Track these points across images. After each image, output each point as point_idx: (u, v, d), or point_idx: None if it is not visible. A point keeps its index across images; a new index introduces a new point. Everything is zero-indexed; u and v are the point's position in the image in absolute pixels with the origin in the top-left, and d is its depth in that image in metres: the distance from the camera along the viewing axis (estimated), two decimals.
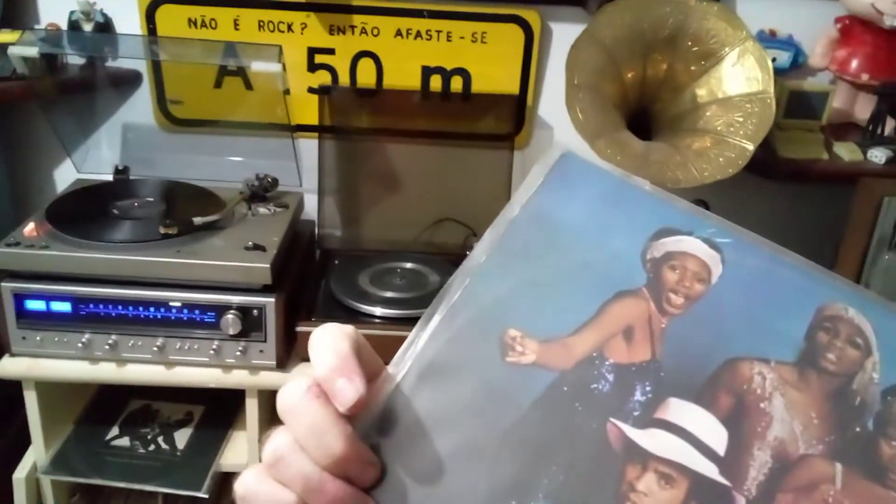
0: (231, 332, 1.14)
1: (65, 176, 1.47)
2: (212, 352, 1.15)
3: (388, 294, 1.26)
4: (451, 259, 1.38)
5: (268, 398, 1.22)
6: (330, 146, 1.44)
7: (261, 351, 1.17)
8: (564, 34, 1.39)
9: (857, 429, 0.39)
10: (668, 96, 1.28)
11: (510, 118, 1.46)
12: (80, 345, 1.14)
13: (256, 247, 1.17)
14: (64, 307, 1.14)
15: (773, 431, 0.39)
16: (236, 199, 1.29)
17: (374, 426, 0.40)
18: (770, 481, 0.38)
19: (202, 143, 1.45)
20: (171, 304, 1.14)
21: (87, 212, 1.23)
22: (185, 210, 1.25)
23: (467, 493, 0.39)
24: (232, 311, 1.14)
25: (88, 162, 1.42)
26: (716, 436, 0.39)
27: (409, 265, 1.36)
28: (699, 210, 0.45)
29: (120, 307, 1.14)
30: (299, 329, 1.18)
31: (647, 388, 0.40)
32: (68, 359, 1.15)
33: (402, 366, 0.41)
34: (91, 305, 1.14)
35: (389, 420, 0.40)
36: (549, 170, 0.46)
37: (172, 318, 1.15)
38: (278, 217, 1.29)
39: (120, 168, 1.38)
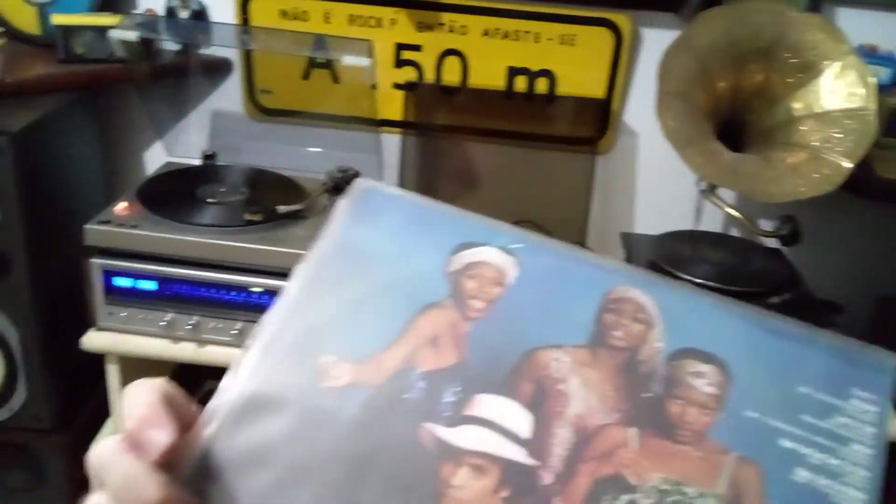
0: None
1: (155, 159, 1.51)
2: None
3: None
4: None
5: None
6: (412, 142, 1.44)
7: None
8: (655, 40, 1.37)
9: (647, 394, 0.43)
10: (761, 108, 1.24)
11: (594, 122, 1.44)
12: (162, 323, 1.17)
13: None
14: (150, 286, 1.17)
15: (572, 409, 0.42)
16: (319, 190, 1.31)
17: (196, 472, 0.41)
18: (573, 454, 0.41)
19: (287, 132, 1.48)
20: (252, 289, 1.16)
21: (175, 194, 1.27)
22: (269, 198, 1.27)
23: None
24: None
25: (178, 146, 1.45)
26: (521, 421, 0.42)
27: None
28: (494, 222, 0.48)
29: (203, 289, 1.17)
30: None
31: (456, 389, 0.43)
32: (151, 336, 1.19)
33: (219, 408, 0.42)
34: (176, 286, 1.17)
35: (211, 463, 0.41)
36: (354, 202, 0.50)
37: (253, 302, 1.17)
38: None
39: (208, 153, 1.42)
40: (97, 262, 1.16)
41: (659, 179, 1.49)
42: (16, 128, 1.14)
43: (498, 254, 0.47)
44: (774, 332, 0.45)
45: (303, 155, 1.46)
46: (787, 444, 0.41)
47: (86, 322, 1.19)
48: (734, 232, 1.49)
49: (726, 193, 1.34)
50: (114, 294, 1.17)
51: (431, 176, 1.48)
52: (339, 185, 1.33)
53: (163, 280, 1.17)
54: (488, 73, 1.43)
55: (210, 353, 1.20)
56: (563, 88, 1.43)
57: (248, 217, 1.19)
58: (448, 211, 0.50)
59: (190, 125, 1.48)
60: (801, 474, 0.41)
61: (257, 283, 1.16)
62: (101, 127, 1.44)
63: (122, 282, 1.17)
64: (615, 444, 0.42)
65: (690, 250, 1.30)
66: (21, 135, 1.14)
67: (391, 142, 1.44)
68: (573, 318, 0.45)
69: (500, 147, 1.47)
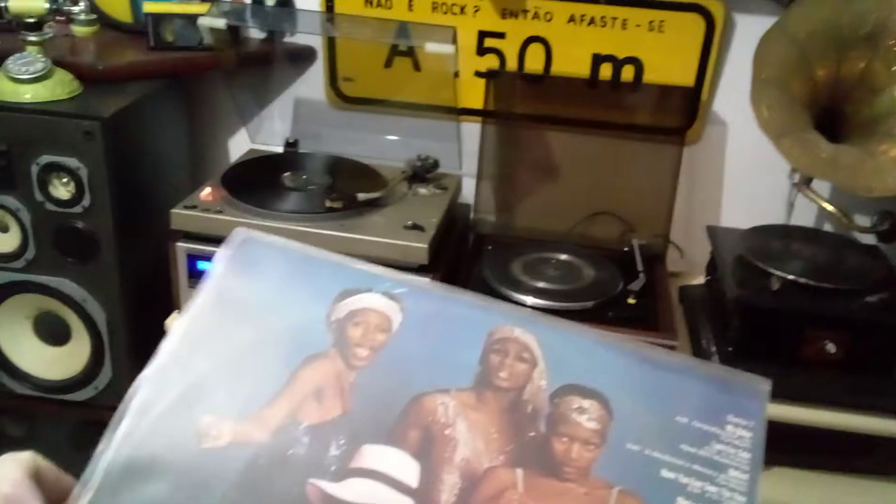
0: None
1: (239, 145, 1.54)
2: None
3: (541, 284, 1.23)
4: (606, 254, 1.34)
5: None
6: (492, 131, 1.42)
7: None
8: (749, 26, 1.31)
9: (532, 433, 0.43)
10: (862, 97, 1.18)
11: (682, 111, 1.39)
12: None
13: (416, 226, 1.17)
14: None
15: (460, 453, 0.43)
16: (398, 178, 1.30)
17: None
18: (461, 499, 0.41)
19: (368, 121, 1.48)
20: None
21: (258, 181, 1.28)
22: (349, 185, 1.27)
23: None
24: None
25: (261, 133, 1.47)
26: (408, 470, 0.42)
27: (563, 256, 1.33)
28: (376, 268, 0.49)
29: None
30: None
31: (342, 442, 0.43)
32: None
33: (93, 478, 0.41)
34: None
35: None
36: (232, 253, 0.49)
37: None
38: (437, 198, 1.30)
39: (290, 141, 1.43)
40: (182, 245, 1.18)
41: (748, 172, 1.43)
42: (107, 113, 1.17)
43: (382, 299, 0.47)
44: (652, 364, 0.46)
45: (382, 143, 1.46)
46: (668, 474, 0.42)
47: (170, 304, 1.22)
48: (828, 228, 1.42)
49: (820, 187, 1.28)
50: (197, 278, 1.19)
51: (511, 165, 1.46)
52: (418, 173, 1.33)
53: None
54: (572, 61, 1.40)
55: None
56: (650, 76, 1.39)
57: (328, 204, 1.19)
58: (330, 258, 0.50)
59: (273, 112, 1.50)
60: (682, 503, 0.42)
61: None
62: (188, 113, 1.47)
63: (205, 266, 1.19)
64: (502, 487, 0.42)
65: (782, 245, 1.24)
66: (112, 120, 1.17)
67: (471, 130, 1.43)
68: (458, 361, 0.45)
69: (583, 137, 1.43)
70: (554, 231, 1.42)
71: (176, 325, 0.46)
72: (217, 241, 1.15)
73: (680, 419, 0.44)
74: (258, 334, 0.47)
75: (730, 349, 1.13)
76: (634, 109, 1.42)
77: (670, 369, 0.46)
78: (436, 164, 1.34)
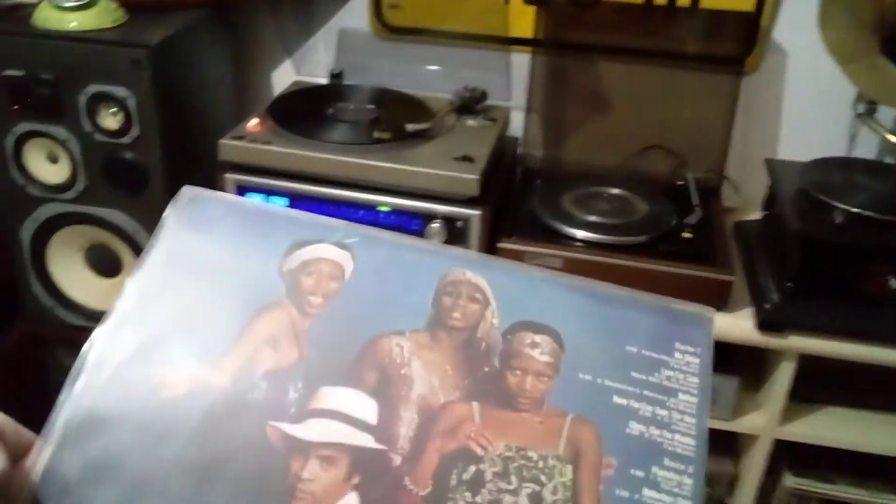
0: (435, 240, 1.14)
1: (283, 77, 1.52)
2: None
3: (593, 218, 1.21)
4: (659, 188, 1.31)
5: None
6: (542, 61, 1.38)
7: None
8: None
9: (486, 368, 0.45)
10: None
11: (740, 39, 1.34)
12: None
13: (466, 158, 1.15)
14: (281, 202, 1.18)
15: (416, 390, 0.44)
16: (446, 109, 1.28)
17: (35, 499, 0.40)
18: (419, 434, 0.43)
19: (413, 52, 1.44)
20: (379, 208, 1.16)
21: (305, 112, 1.26)
22: (396, 117, 1.25)
23: None
24: (437, 221, 1.14)
25: (306, 64, 1.45)
26: (366, 408, 0.43)
27: (615, 191, 1.30)
28: (327, 220, 0.50)
29: (331, 207, 1.17)
30: (501, 246, 1.16)
31: (299, 385, 0.44)
32: None
33: (53, 432, 0.42)
34: (306, 203, 1.17)
35: (51, 488, 0.41)
36: (179, 212, 0.49)
37: (380, 222, 1.17)
38: (486, 130, 1.27)
39: (335, 72, 1.41)
40: (231, 177, 1.17)
41: (809, 102, 1.38)
42: (153, 42, 1.15)
43: (333, 249, 0.48)
44: (601, 299, 0.48)
45: (428, 74, 1.43)
46: (620, 400, 0.44)
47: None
48: (890, 160, 1.37)
49: (884, 118, 1.23)
50: None
51: (561, 97, 1.42)
52: (466, 104, 1.30)
53: (293, 197, 1.17)
54: None
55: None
56: (707, 2, 1.33)
57: (377, 135, 1.17)
58: (280, 212, 0.51)
59: (318, 44, 1.47)
60: (635, 427, 0.43)
61: (384, 202, 1.15)
62: (232, 45, 1.45)
63: (254, 197, 1.18)
64: (459, 420, 0.43)
65: (844, 178, 1.20)
66: (159, 49, 1.15)
67: (520, 61, 1.39)
68: (411, 304, 0.47)
69: (635, 67, 1.39)
70: (603, 165, 1.39)
71: (128, 282, 0.47)
72: (266, 172, 1.16)
73: (630, 349, 0.46)
74: (211, 288, 0.47)
75: (789, 284, 1.10)
76: (690, 37, 1.36)
77: (619, 303, 0.48)
78: (484, 96, 1.31)
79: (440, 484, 0.42)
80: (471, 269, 0.48)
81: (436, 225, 1.13)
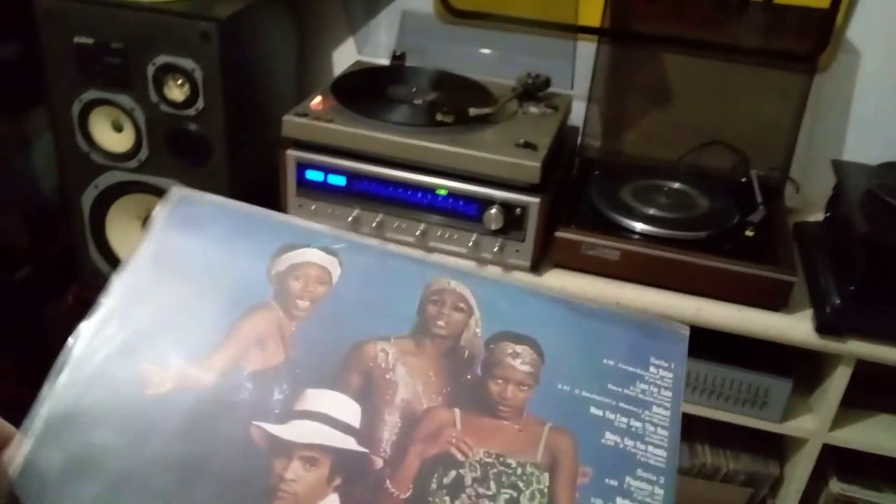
0: (492, 227, 1.14)
1: (343, 56, 1.52)
2: (470, 244, 1.16)
3: (652, 211, 1.19)
4: (720, 185, 1.29)
5: None
6: (607, 51, 1.37)
7: (517, 250, 1.16)
8: None
9: (469, 376, 0.46)
10: None
11: (813, 37, 1.31)
12: (349, 219, 1.19)
13: (528, 145, 1.14)
14: (339, 181, 1.18)
15: (399, 395, 0.45)
16: (509, 95, 1.27)
17: (12, 492, 0.39)
18: (402, 438, 0.44)
19: (476, 36, 1.44)
20: (437, 191, 1.15)
21: (368, 92, 1.26)
22: (457, 101, 1.24)
23: None
24: (495, 207, 1.13)
25: (368, 45, 1.45)
26: (350, 412, 0.44)
27: (675, 185, 1.28)
28: (314, 225, 0.50)
29: (390, 188, 1.17)
30: (558, 235, 1.16)
31: (284, 387, 0.44)
32: None
33: (34, 426, 0.41)
34: (364, 183, 1.17)
35: (29, 481, 0.40)
36: (169, 212, 0.49)
37: (437, 205, 1.16)
38: (548, 118, 1.26)
39: (397, 54, 1.40)
40: (292, 154, 1.18)
41: (879, 104, 1.35)
42: (223, 15, 1.16)
43: (321, 254, 0.49)
44: (580, 312, 0.48)
45: (490, 59, 1.42)
46: (596, 411, 0.45)
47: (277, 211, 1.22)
48: None
49: None
50: (305, 187, 1.20)
51: (624, 88, 1.40)
52: (529, 90, 1.29)
53: (352, 176, 1.18)
54: None
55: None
56: None
57: (439, 118, 1.17)
58: (268, 216, 0.50)
59: (380, 24, 1.47)
60: (610, 438, 0.45)
61: (443, 185, 1.15)
62: (298, 21, 1.45)
63: (313, 175, 1.19)
64: (441, 425, 0.44)
65: None
66: (228, 22, 1.16)
67: (585, 50, 1.37)
68: (397, 311, 0.47)
69: (703, 61, 1.36)
70: (663, 159, 1.37)
71: (115, 279, 0.47)
72: (327, 150, 1.17)
73: (607, 361, 0.47)
74: (199, 288, 0.48)
75: (852, 288, 1.08)
76: (762, 33, 1.33)
77: (597, 317, 0.49)
78: (547, 83, 1.30)
79: (420, 488, 0.43)
80: (455, 279, 0.49)
81: (493, 211, 1.13)
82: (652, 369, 0.47)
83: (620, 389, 0.46)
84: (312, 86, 1.39)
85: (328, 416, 0.44)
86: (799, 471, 1.23)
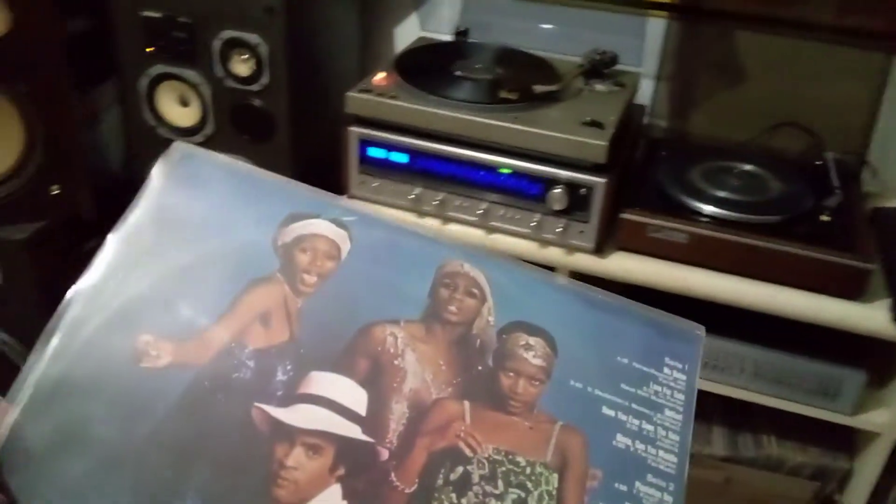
0: (556, 207, 1.11)
1: (405, 32, 1.50)
2: (532, 224, 1.14)
3: (722, 193, 1.16)
4: (794, 167, 1.24)
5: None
6: (677, 27, 1.32)
7: (581, 232, 1.13)
8: None
9: (480, 367, 0.44)
10: None
11: (893, 13, 1.24)
12: (411, 197, 1.18)
13: (594, 123, 1.11)
14: (402, 158, 1.17)
15: (408, 384, 0.43)
16: (574, 72, 1.24)
17: None
18: (409, 429, 0.42)
19: (540, 11, 1.41)
20: (500, 170, 1.14)
21: (431, 68, 1.25)
22: (522, 78, 1.22)
23: None
24: (559, 187, 1.11)
25: (431, 20, 1.43)
26: (356, 398, 0.42)
27: (746, 167, 1.24)
28: (325, 193, 0.47)
29: (453, 166, 1.15)
30: (623, 216, 1.13)
31: (288, 367, 0.42)
32: (399, 209, 1.20)
33: (21, 393, 0.39)
34: (426, 160, 1.16)
35: (13, 454, 0.38)
36: (170, 170, 0.46)
37: (500, 184, 1.15)
38: (614, 96, 1.22)
39: (461, 30, 1.38)
40: (355, 130, 1.17)
41: None
42: None
43: (331, 226, 0.46)
44: (594, 305, 0.47)
45: (554, 35, 1.39)
46: (608, 411, 0.44)
47: (339, 191, 1.22)
48: None
49: None
50: (367, 164, 1.19)
51: (694, 66, 1.36)
52: (596, 67, 1.26)
53: (414, 153, 1.16)
54: None
55: (452, 232, 1.20)
56: None
57: (503, 95, 1.15)
58: (276, 181, 0.48)
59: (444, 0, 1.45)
60: (621, 440, 0.43)
61: (506, 163, 1.13)
62: None
63: (376, 152, 1.18)
64: (450, 418, 0.42)
65: None
66: None
67: (654, 27, 1.33)
68: (408, 293, 0.45)
69: (778, 38, 1.31)
70: (733, 139, 1.33)
71: (110, 238, 0.44)
72: (390, 127, 1.16)
73: (621, 359, 0.45)
74: (200, 254, 0.45)
75: None
76: (841, 9, 1.28)
77: (612, 311, 0.47)
78: (614, 60, 1.26)
79: (426, 482, 0.41)
80: (469, 261, 0.47)
81: (558, 191, 1.10)
82: (666, 370, 0.46)
83: (634, 390, 0.45)
84: (375, 62, 1.38)
85: (334, 401, 0.42)
86: (870, 466, 1.19)
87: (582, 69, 1.25)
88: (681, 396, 0.45)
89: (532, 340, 0.45)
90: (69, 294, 0.42)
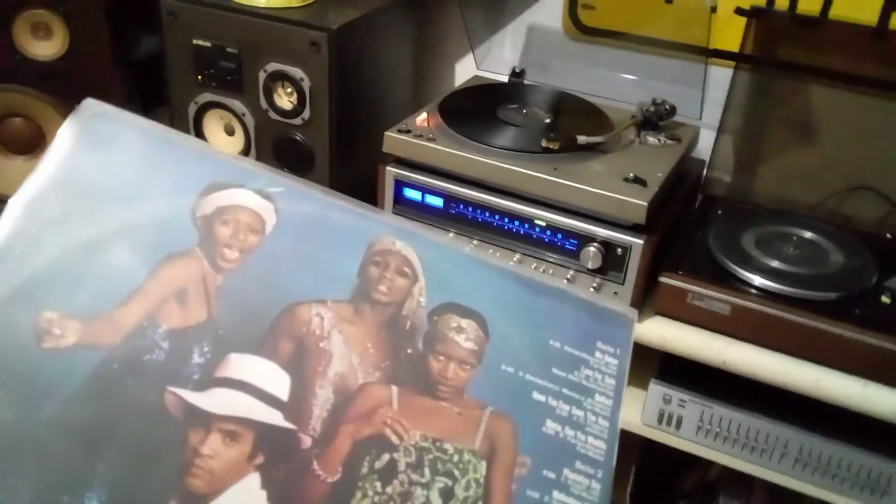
0: (590, 265, 1.06)
1: (464, 69, 1.48)
2: (565, 281, 1.08)
3: (775, 263, 1.07)
4: (861, 237, 1.14)
5: None
6: (745, 78, 1.24)
7: (615, 293, 1.07)
8: None
9: (409, 350, 0.42)
10: None
11: None
12: None
13: (637, 180, 1.05)
14: (436, 202, 1.14)
15: (334, 368, 0.41)
16: (626, 123, 1.18)
17: None
18: (333, 415, 0.39)
19: (604, 55, 1.35)
20: (535, 221, 1.09)
21: (476, 111, 1.21)
22: (571, 125, 1.17)
23: (12, 501, 0.34)
24: (595, 244, 1.05)
25: (489, 59, 1.40)
26: (278, 382, 0.39)
27: (807, 234, 1.15)
28: (249, 161, 0.44)
29: (487, 214, 1.11)
30: (662, 280, 1.06)
31: (206, 349, 0.39)
32: None
33: None
34: (461, 206, 1.13)
35: None
36: (80, 130, 0.41)
37: (534, 236, 1.10)
38: (667, 150, 1.16)
39: (517, 70, 1.34)
40: (392, 170, 1.15)
41: None
42: (335, 25, 1.14)
43: (255, 198, 0.43)
44: (529, 287, 0.45)
45: (616, 81, 1.33)
46: (539, 396, 0.43)
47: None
48: None
49: None
50: (402, 205, 1.16)
51: (760, 121, 1.28)
52: (650, 118, 1.19)
53: (449, 198, 1.13)
54: (858, 4, 1.17)
55: None
56: None
57: (545, 144, 1.10)
58: (196, 146, 0.44)
59: (504, 39, 1.41)
60: (551, 426, 0.42)
61: (542, 216, 1.08)
62: (418, 31, 1.42)
63: (411, 193, 1.15)
64: (377, 403, 0.41)
65: None
66: (340, 33, 1.14)
67: (718, 76, 1.26)
68: (336, 271, 0.43)
69: (854, 95, 1.22)
70: (798, 202, 1.24)
71: (12, 203, 0.39)
72: (426, 169, 1.13)
73: (553, 343, 0.44)
74: (112, 223, 0.41)
75: None
76: None
77: (546, 293, 0.46)
78: (672, 111, 1.20)
79: (350, 471, 0.39)
80: (400, 238, 0.45)
81: (592, 249, 1.05)
82: (598, 354, 0.45)
83: (565, 374, 0.44)
84: (430, 97, 1.36)
85: (253, 385, 0.39)
86: None
87: (634, 121, 1.19)
88: (611, 381, 0.44)
89: (464, 322, 0.44)
90: None
